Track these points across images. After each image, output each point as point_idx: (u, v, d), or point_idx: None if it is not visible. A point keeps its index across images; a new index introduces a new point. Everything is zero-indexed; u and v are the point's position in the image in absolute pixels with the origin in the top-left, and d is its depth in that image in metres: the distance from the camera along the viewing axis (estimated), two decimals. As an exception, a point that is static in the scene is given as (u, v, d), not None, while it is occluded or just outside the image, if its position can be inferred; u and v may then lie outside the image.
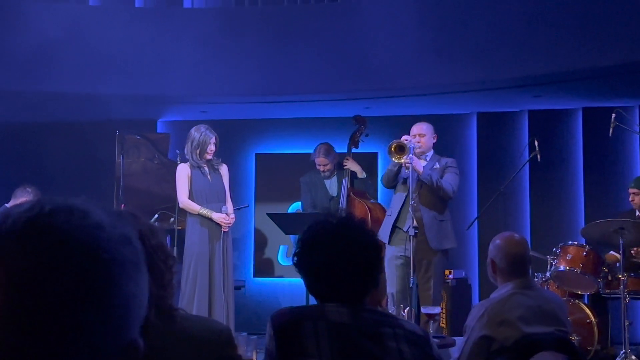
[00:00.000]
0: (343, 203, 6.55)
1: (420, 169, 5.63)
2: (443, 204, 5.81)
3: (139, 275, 0.81)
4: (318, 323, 2.04)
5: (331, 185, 6.90)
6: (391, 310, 4.71)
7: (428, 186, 5.67)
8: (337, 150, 6.97)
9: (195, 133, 5.83)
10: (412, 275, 5.44)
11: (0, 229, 0.76)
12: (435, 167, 5.81)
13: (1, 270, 0.74)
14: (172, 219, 6.61)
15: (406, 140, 5.67)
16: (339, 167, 6.83)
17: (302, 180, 7.08)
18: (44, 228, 0.76)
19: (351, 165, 6.65)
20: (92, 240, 0.77)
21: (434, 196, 5.73)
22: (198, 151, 5.79)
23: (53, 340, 0.74)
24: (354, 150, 6.73)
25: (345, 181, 6.61)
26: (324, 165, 6.85)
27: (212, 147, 5.83)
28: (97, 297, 0.76)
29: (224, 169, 5.97)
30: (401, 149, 5.57)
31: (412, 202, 5.55)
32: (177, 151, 6.36)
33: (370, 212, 6.41)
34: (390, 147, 5.62)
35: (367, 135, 6.71)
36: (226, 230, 5.76)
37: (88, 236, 0.77)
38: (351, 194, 6.58)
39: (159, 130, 8.26)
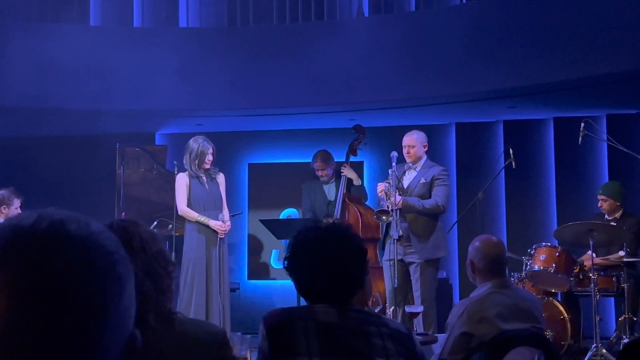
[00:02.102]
0: (338, 207, 6.55)
1: (400, 205, 5.45)
2: (433, 217, 5.63)
3: (132, 273, 0.82)
4: (308, 323, 2.04)
5: (329, 190, 6.88)
6: (377, 309, 4.70)
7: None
8: (335, 158, 6.95)
9: (194, 144, 5.81)
10: (395, 277, 5.42)
11: (15, 240, 0.75)
12: (421, 181, 5.64)
13: (27, 276, 0.73)
14: (170, 226, 6.59)
15: (384, 188, 5.53)
16: (337, 174, 6.82)
17: (303, 186, 7.08)
18: (63, 236, 0.76)
19: (348, 172, 6.63)
20: (102, 244, 0.77)
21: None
22: (197, 161, 5.77)
23: (72, 340, 0.74)
24: (352, 158, 6.72)
25: (342, 187, 6.60)
26: (321, 170, 6.84)
27: (209, 157, 5.80)
28: (114, 295, 0.76)
29: (221, 178, 5.96)
30: (383, 212, 5.45)
31: (396, 207, 5.55)
32: (175, 162, 6.35)
33: (361, 217, 6.40)
34: (373, 215, 5.60)
35: (365, 144, 6.70)
36: (222, 236, 5.75)
37: (98, 241, 0.77)
38: (346, 199, 6.57)
39: (157, 143, 8.24)
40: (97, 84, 6.67)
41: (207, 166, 5.81)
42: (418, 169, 5.71)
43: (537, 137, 7.84)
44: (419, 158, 5.72)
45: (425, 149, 5.77)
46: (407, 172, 5.72)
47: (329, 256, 2.10)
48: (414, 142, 5.70)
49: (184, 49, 6.92)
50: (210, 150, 5.80)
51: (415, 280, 5.56)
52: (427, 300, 5.51)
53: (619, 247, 5.82)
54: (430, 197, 5.61)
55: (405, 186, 5.65)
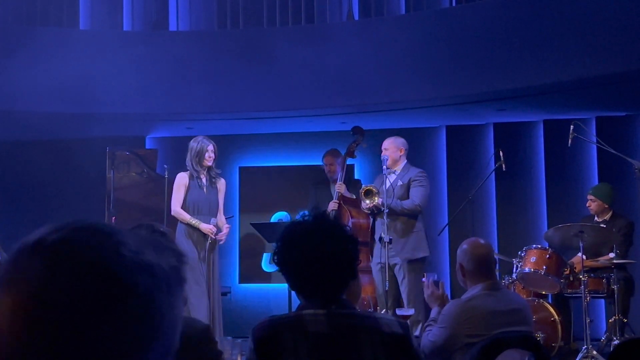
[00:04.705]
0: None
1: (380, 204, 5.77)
2: (413, 217, 5.83)
3: (157, 301, 0.77)
4: (297, 335, 2.01)
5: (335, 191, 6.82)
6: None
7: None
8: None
9: (193, 143, 5.83)
10: (386, 280, 5.48)
11: (20, 246, 0.75)
12: (399, 184, 5.82)
13: (31, 283, 0.73)
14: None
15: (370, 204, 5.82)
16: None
17: (311, 187, 7.00)
18: (72, 246, 0.75)
19: (339, 188, 6.51)
20: (110, 262, 0.75)
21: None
22: (197, 159, 5.77)
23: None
24: (349, 160, 6.65)
25: (335, 198, 6.50)
26: (329, 165, 6.79)
27: (210, 155, 5.79)
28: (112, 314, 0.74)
29: (221, 184, 5.95)
30: (368, 193, 5.78)
31: (387, 210, 5.60)
32: (165, 166, 6.32)
33: (352, 219, 6.36)
34: (361, 193, 5.86)
35: (365, 146, 6.64)
36: (217, 238, 5.70)
37: (109, 257, 0.75)
38: (341, 201, 6.53)
39: (147, 146, 8.21)
40: (87, 88, 6.64)
41: (209, 163, 5.80)
42: (397, 173, 5.86)
43: (527, 140, 7.86)
44: (395, 162, 5.90)
45: (401, 153, 5.95)
46: (387, 176, 5.88)
47: (318, 245, 2.07)
48: (388, 145, 5.95)
49: (174, 52, 6.90)
50: (211, 148, 5.80)
51: (401, 282, 5.70)
52: (413, 302, 5.56)
53: (609, 249, 5.84)
54: (408, 198, 5.82)
55: (385, 189, 5.80)
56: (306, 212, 2.23)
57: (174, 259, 0.80)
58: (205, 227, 5.69)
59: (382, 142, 6.10)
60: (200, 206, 5.76)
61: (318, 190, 6.92)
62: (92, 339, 0.72)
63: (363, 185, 5.98)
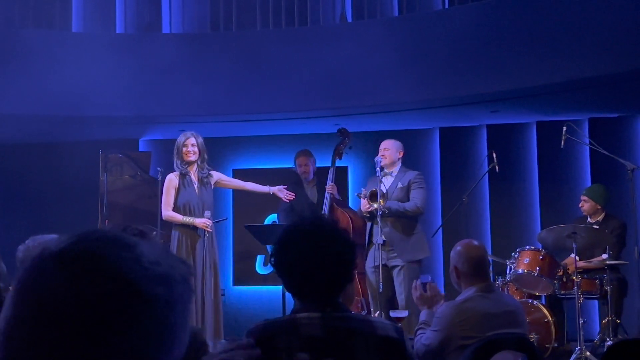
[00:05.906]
0: (325, 211, 6.48)
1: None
2: (414, 219, 5.88)
3: (170, 314, 0.78)
4: (291, 338, 2.01)
5: (312, 193, 6.80)
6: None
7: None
8: (319, 163, 6.89)
9: (178, 138, 5.72)
10: (380, 282, 5.51)
11: (42, 254, 0.76)
12: (399, 186, 5.87)
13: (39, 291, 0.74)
14: (154, 233, 6.55)
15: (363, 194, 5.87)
16: (318, 179, 6.73)
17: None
18: (82, 255, 0.75)
19: (332, 190, 6.49)
20: (126, 273, 0.76)
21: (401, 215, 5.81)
22: (177, 154, 5.65)
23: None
24: (337, 162, 6.64)
25: (326, 204, 6.47)
26: (304, 166, 6.76)
27: (189, 149, 5.62)
28: (121, 324, 0.75)
29: (215, 176, 5.83)
30: (373, 196, 5.78)
31: (380, 212, 5.62)
32: (159, 168, 6.29)
33: (352, 222, 6.36)
34: (367, 196, 5.86)
35: (350, 147, 6.65)
36: (210, 230, 5.62)
37: (125, 268, 0.76)
38: (334, 203, 6.52)
39: (140, 149, 8.19)
40: (80, 90, 6.62)
41: (190, 158, 5.63)
42: (394, 175, 5.92)
43: (520, 141, 7.88)
44: (393, 163, 5.95)
45: (400, 156, 6.01)
46: (383, 178, 5.92)
47: (315, 248, 2.06)
48: (390, 145, 5.99)
49: (166, 54, 6.89)
50: (190, 141, 5.61)
51: (399, 284, 5.70)
52: (412, 304, 5.57)
53: (602, 250, 5.85)
54: (408, 200, 5.87)
55: (384, 191, 5.84)
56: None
57: (184, 269, 0.81)
58: (200, 221, 5.59)
59: (375, 144, 6.11)
60: (192, 206, 5.65)
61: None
62: (112, 349, 0.73)
63: (363, 190, 5.98)
